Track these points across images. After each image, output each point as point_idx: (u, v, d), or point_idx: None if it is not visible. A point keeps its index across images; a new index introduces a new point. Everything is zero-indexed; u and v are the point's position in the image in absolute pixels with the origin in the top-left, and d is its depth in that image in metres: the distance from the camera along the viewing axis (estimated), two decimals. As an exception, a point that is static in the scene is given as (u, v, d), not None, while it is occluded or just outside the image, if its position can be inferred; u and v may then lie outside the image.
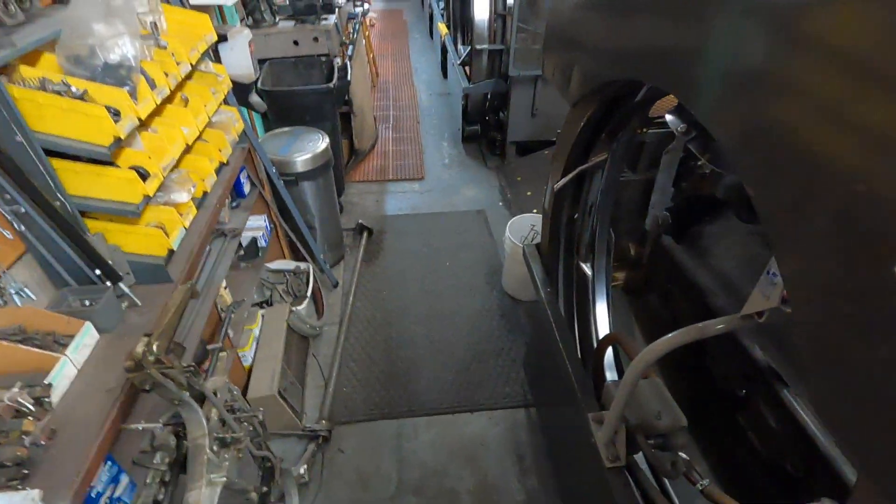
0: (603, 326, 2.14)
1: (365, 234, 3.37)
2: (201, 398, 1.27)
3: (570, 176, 1.80)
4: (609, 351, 2.00)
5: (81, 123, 1.22)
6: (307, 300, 2.63)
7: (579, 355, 2.12)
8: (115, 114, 1.28)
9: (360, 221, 3.40)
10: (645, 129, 1.75)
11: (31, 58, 1.28)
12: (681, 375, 2.06)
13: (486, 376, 2.53)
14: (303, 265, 2.78)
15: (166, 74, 1.52)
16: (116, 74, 1.32)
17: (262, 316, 2.38)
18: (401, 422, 2.31)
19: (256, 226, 2.57)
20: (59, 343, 1.28)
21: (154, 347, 1.12)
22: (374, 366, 2.58)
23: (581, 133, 1.70)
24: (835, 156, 0.61)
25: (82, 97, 1.22)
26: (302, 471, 1.95)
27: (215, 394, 1.30)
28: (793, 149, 0.67)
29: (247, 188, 2.43)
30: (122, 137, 1.27)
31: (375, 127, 4.68)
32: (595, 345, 2.11)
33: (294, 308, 2.47)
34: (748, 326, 1.15)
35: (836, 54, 0.61)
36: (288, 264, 2.77)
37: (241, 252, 2.47)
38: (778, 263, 0.76)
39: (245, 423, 1.39)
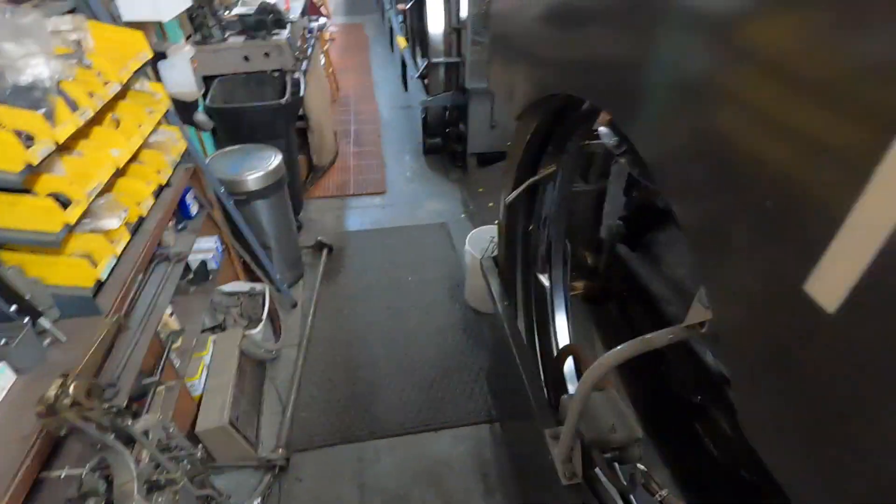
0: (562, 337, 2.13)
1: (325, 252, 3.29)
2: (131, 439, 1.19)
3: (520, 189, 1.79)
4: (571, 363, 1.99)
5: (-13, 149, 1.13)
6: (263, 323, 2.54)
7: (541, 368, 2.11)
8: (29, 138, 1.19)
9: (319, 238, 3.32)
10: (590, 141, 1.75)
11: (-68, 80, 1.19)
12: (639, 383, 2.06)
13: (449, 393, 2.48)
14: (258, 286, 2.68)
15: (91, 95, 1.44)
16: (29, 97, 1.24)
17: (214, 342, 2.27)
18: (362, 445, 2.24)
19: (206, 248, 2.47)
20: (-32, 388, 1.17)
21: (70, 389, 1.03)
22: (334, 388, 2.50)
23: (528, 146, 1.69)
24: (763, 166, 0.60)
25: (-12, 122, 1.13)
26: (256, 503, 1.86)
27: (147, 433, 1.21)
28: (720, 163, 0.66)
29: (194, 209, 2.34)
30: (35, 163, 1.19)
31: (336, 142, 4.62)
32: (553, 355, 2.10)
33: (248, 332, 2.38)
34: (689, 338, 1.14)
35: (769, 64, 0.60)
36: (242, 286, 2.67)
37: (191, 276, 2.37)
38: (703, 276, 0.75)
39: (184, 462, 1.31)
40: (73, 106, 1.36)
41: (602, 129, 1.27)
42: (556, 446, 1.47)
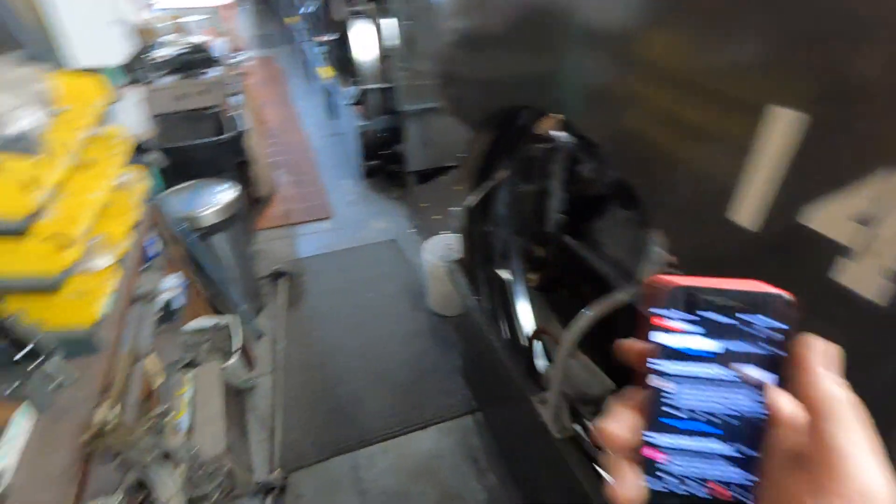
0: (526, 323, 2.37)
1: (283, 280, 3.33)
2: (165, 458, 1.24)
3: (480, 193, 2.02)
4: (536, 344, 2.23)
5: (-8, 198, 1.16)
6: (236, 354, 2.55)
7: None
8: (27, 185, 1.23)
9: (276, 267, 3.36)
10: (535, 145, 2.03)
11: (-84, 137, 1.20)
12: (595, 353, 2.35)
13: (428, 393, 2.63)
14: (224, 320, 2.68)
15: (70, 141, 1.48)
16: (21, 145, 1.28)
17: (192, 378, 2.26)
18: (355, 454, 2.33)
19: (170, 286, 2.45)
20: (-15, 437, 1.17)
21: (112, 414, 1.09)
22: (317, 406, 2.56)
23: (483, 155, 1.93)
24: (672, 146, 0.86)
25: (-9, 171, 1.17)
26: (265, 525, 1.89)
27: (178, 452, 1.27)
28: (649, 145, 0.92)
29: (155, 248, 2.33)
30: (37, 209, 1.23)
31: (272, 173, 4.63)
32: (521, 340, 2.33)
33: (225, 364, 2.39)
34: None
35: (663, 69, 0.87)
36: (208, 321, 2.66)
37: (158, 315, 2.35)
38: (657, 230, 1.00)
39: (213, 478, 1.37)
40: (59, 152, 1.40)
41: (556, 132, 1.53)
42: (545, 408, 1.68)
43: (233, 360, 2.51)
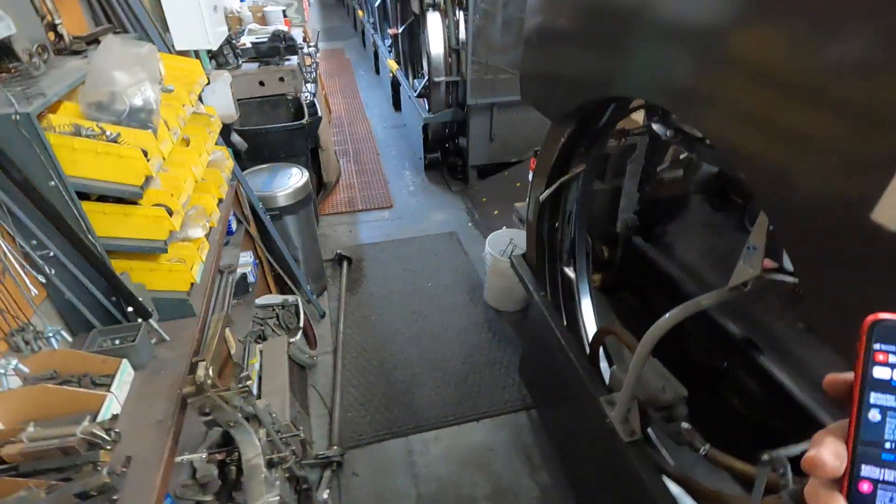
0: (590, 323, 2.33)
1: (345, 264, 3.42)
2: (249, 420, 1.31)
3: (554, 186, 2.00)
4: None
5: (115, 165, 1.26)
6: (300, 332, 2.65)
7: (573, 351, 2.29)
8: (145, 154, 1.33)
9: (338, 252, 3.46)
10: (622, 141, 1.98)
11: (52, 106, 1.32)
12: (665, 359, 2.27)
13: (483, 386, 2.63)
14: (290, 298, 2.79)
15: (175, 117, 1.58)
16: (139, 118, 1.38)
17: (261, 351, 2.37)
18: (409, 438, 2.36)
19: (244, 262, 2.58)
20: (95, 384, 1.27)
21: (210, 371, 1.16)
22: (373, 389, 2.62)
23: (562, 149, 1.90)
24: (807, 143, 0.82)
25: (115, 140, 1.27)
26: (325, 496, 1.96)
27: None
28: (779, 142, 0.87)
29: (234, 225, 2.46)
30: (153, 176, 1.33)
31: (337, 161, 4.77)
32: (584, 339, 2.28)
33: (291, 339, 2.49)
34: (733, 298, 1.35)
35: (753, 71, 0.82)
36: (276, 298, 2.78)
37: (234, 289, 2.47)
38: (777, 231, 0.95)
39: (289, 444, 1.43)
40: (167, 127, 1.50)
41: (655, 126, 1.48)
42: (613, 410, 1.64)
43: (297, 336, 2.61)
